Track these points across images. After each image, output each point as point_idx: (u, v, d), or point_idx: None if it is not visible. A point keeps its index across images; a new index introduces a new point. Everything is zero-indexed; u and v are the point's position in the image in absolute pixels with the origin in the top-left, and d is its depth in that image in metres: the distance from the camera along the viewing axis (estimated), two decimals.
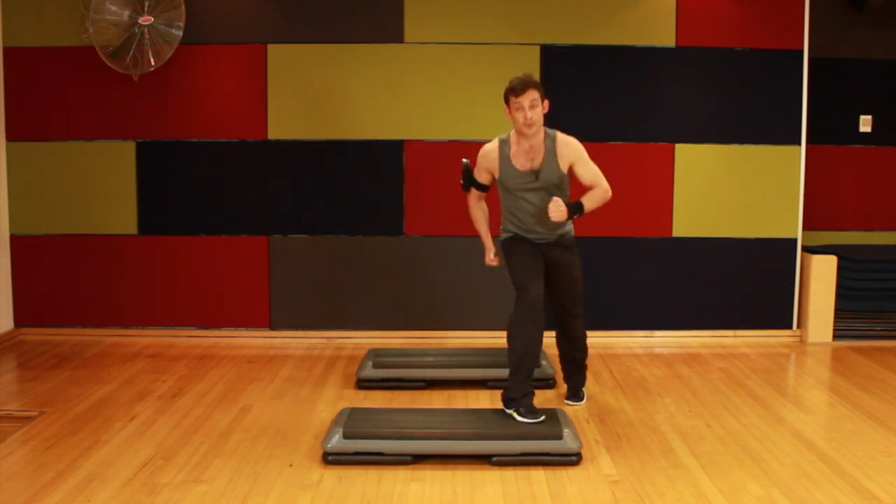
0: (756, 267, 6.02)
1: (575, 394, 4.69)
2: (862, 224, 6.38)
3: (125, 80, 5.77)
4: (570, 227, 4.39)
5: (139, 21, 5.54)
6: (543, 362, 5.00)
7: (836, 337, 5.98)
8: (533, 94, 4.05)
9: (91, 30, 5.53)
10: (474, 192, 4.37)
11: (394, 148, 5.91)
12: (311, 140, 5.93)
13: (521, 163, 4.18)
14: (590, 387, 4.96)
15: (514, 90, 4.07)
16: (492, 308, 5.94)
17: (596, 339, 5.96)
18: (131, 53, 5.57)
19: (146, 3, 5.54)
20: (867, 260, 5.91)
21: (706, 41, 5.88)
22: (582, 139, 5.97)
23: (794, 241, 6.01)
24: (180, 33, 5.63)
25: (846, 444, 4.05)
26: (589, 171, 4.25)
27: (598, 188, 4.24)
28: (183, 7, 5.60)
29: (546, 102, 4.15)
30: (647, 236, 5.99)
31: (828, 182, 6.26)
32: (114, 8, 5.52)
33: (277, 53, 5.85)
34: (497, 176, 4.24)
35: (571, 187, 4.36)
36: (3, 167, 5.91)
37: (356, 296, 5.99)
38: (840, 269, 5.91)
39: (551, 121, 5.90)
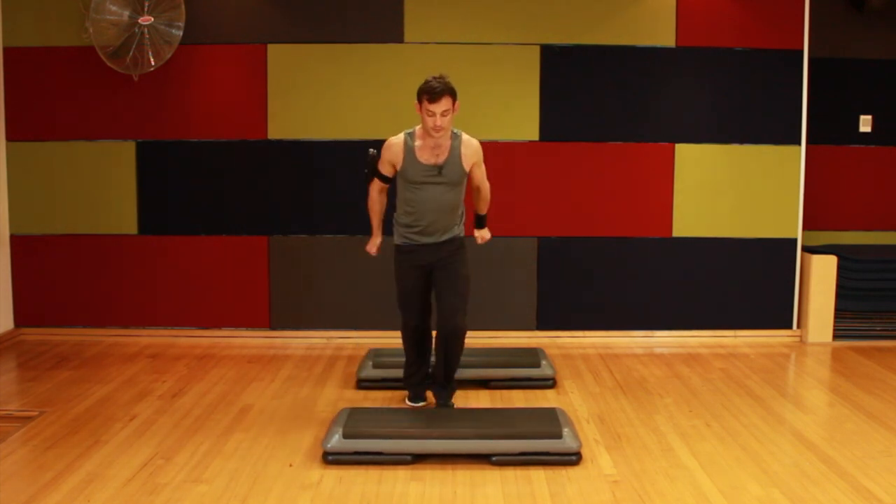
0: (756, 267, 6.02)
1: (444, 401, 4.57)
2: (862, 224, 6.37)
3: (125, 80, 5.77)
4: (459, 229, 4.42)
5: (139, 21, 5.54)
6: (543, 362, 5.00)
7: (836, 337, 5.98)
8: (446, 104, 4.09)
9: (91, 30, 5.53)
10: (377, 183, 4.44)
11: None
12: (311, 140, 5.93)
13: (425, 157, 4.24)
14: (590, 387, 4.96)
15: (429, 95, 4.09)
16: (492, 308, 5.94)
17: (596, 339, 5.99)
18: (131, 53, 5.57)
19: (146, 3, 5.54)
20: (867, 260, 5.91)
21: (706, 41, 5.88)
22: (582, 139, 6.03)
23: (794, 241, 6.00)
24: (180, 33, 5.63)
25: (846, 444, 4.05)
26: (482, 172, 4.41)
27: (484, 188, 4.46)
28: (183, 7, 5.60)
29: (457, 105, 4.18)
30: (647, 236, 6.00)
31: (828, 182, 6.26)
32: (114, 8, 5.52)
33: (277, 53, 5.85)
34: (399, 168, 4.30)
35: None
36: (3, 167, 5.91)
37: (356, 296, 5.98)
38: (840, 269, 5.91)
39: (552, 121, 5.96)
